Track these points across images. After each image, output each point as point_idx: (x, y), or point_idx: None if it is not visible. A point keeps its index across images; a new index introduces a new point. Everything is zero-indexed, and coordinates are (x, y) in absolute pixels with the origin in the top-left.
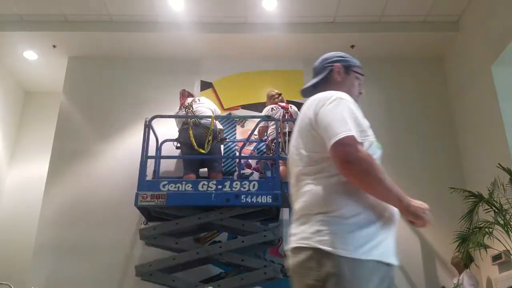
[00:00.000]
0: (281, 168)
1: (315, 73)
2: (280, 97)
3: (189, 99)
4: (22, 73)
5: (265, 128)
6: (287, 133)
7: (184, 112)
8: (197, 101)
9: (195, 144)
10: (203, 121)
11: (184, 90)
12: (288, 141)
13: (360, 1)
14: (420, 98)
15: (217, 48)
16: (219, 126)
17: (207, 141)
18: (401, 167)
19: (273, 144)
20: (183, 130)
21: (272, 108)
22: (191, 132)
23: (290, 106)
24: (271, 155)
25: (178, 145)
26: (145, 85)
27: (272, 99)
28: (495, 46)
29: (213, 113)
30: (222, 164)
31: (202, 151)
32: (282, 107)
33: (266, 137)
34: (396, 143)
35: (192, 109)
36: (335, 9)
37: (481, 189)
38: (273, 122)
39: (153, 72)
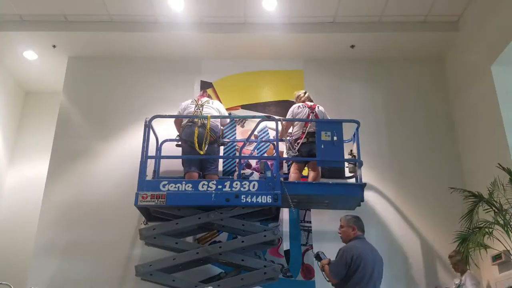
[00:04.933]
0: (292, 175)
1: None
2: (305, 95)
3: (204, 99)
4: (22, 73)
5: (288, 127)
6: (306, 132)
7: (193, 109)
8: (210, 103)
9: (197, 144)
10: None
11: (205, 91)
12: (311, 141)
13: (360, 1)
14: (420, 98)
15: (217, 48)
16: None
17: (204, 141)
18: (401, 167)
19: (296, 143)
20: (187, 127)
21: (298, 106)
22: (196, 131)
23: (317, 106)
24: (292, 154)
25: (179, 142)
26: (145, 85)
27: (298, 99)
28: (495, 46)
29: (219, 114)
30: (222, 164)
31: (201, 152)
32: (309, 107)
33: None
34: (396, 143)
35: (202, 109)
36: (335, 9)
37: (481, 189)
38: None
39: (153, 72)
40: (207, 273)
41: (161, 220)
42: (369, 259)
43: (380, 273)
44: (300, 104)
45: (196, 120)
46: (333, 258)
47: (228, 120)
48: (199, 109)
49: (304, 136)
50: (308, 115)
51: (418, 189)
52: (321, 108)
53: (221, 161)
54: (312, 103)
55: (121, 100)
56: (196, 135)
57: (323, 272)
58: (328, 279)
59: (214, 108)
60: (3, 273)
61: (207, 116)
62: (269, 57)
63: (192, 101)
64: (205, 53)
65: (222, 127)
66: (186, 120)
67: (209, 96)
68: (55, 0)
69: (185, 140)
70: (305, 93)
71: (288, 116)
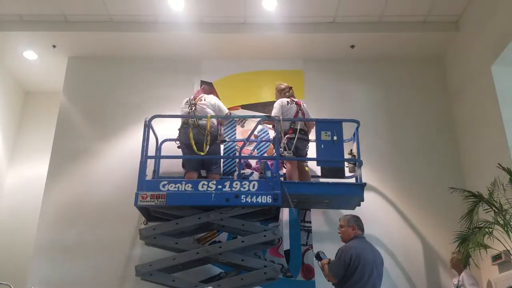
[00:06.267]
0: (287, 166)
1: None
2: (290, 91)
3: (198, 96)
4: (22, 73)
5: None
6: (298, 130)
7: (187, 109)
8: (203, 100)
9: (194, 147)
10: (201, 121)
11: (205, 86)
12: (299, 138)
13: (360, 1)
14: (420, 98)
15: (217, 48)
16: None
17: (205, 142)
18: (401, 167)
19: (284, 139)
20: (182, 129)
21: (288, 102)
22: (191, 133)
23: (302, 103)
24: (284, 153)
25: (179, 144)
26: (145, 85)
27: (282, 92)
28: (495, 46)
29: (214, 111)
30: (222, 165)
31: (202, 153)
32: (296, 103)
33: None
34: (396, 143)
35: (195, 108)
36: (335, 9)
37: (481, 189)
38: (286, 115)
39: (153, 72)
40: (207, 273)
41: (161, 220)
42: (368, 259)
43: (380, 273)
44: (288, 99)
45: (190, 121)
46: (333, 257)
47: (224, 114)
48: (192, 108)
49: (291, 131)
50: (297, 112)
51: (418, 189)
52: (305, 105)
53: (221, 160)
54: (297, 100)
55: (121, 100)
56: (191, 136)
57: (323, 272)
58: (327, 279)
59: (207, 104)
60: (3, 273)
61: (207, 116)
62: (269, 57)
63: (186, 101)
64: (205, 53)
65: (221, 125)
66: (181, 121)
67: (208, 91)
68: (55, 0)
69: (183, 143)
70: (290, 88)
71: (276, 108)
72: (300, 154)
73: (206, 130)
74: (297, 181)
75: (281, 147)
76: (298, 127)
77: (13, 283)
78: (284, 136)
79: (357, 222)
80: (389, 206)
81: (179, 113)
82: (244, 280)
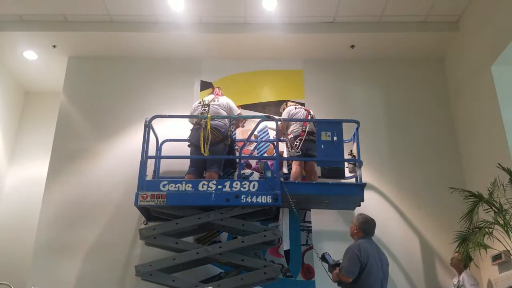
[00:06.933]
0: (294, 168)
1: None
2: (289, 102)
3: (210, 97)
4: (22, 73)
5: (286, 126)
6: (306, 131)
7: (201, 109)
8: (216, 101)
9: (202, 146)
10: (213, 122)
11: (218, 88)
12: (309, 140)
13: (360, 1)
14: (420, 98)
15: (217, 48)
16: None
17: (206, 142)
18: (401, 167)
19: (296, 141)
20: (194, 130)
21: (294, 107)
22: (202, 133)
23: (310, 111)
24: (293, 152)
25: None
26: (145, 85)
27: (286, 105)
28: (495, 46)
29: (226, 111)
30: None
31: (205, 154)
32: (305, 109)
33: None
34: (396, 143)
35: (208, 109)
36: (335, 9)
37: (481, 189)
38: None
39: (153, 72)
40: (207, 273)
41: (161, 220)
42: (375, 257)
43: (386, 274)
44: (295, 106)
45: (202, 122)
46: (337, 258)
47: (235, 114)
48: (205, 109)
49: (303, 134)
50: (306, 116)
51: (418, 189)
52: (313, 113)
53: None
54: (305, 108)
55: (121, 100)
56: (202, 137)
57: (332, 276)
58: (340, 279)
59: (220, 104)
60: (3, 273)
61: (207, 116)
62: (269, 57)
63: (199, 102)
64: (205, 53)
65: (237, 126)
66: (194, 122)
67: (216, 93)
68: (55, 0)
69: (192, 143)
70: (286, 102)
71: (284, 116)
72: (310, 155)
73: (207, 130)
74: (297, 181)
75: (292, 149)
76: (306, 129)
77: (13, 283)
78: (295, 139)
79: (363, 226)
80: (389, 206)
81: (188, 113)
82: (244, 280)
